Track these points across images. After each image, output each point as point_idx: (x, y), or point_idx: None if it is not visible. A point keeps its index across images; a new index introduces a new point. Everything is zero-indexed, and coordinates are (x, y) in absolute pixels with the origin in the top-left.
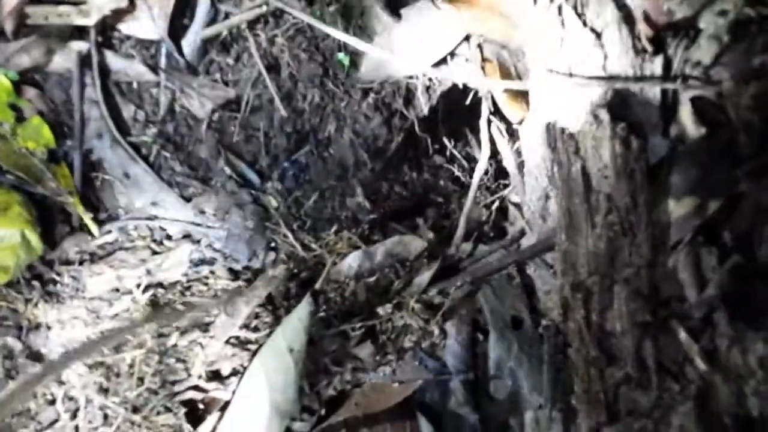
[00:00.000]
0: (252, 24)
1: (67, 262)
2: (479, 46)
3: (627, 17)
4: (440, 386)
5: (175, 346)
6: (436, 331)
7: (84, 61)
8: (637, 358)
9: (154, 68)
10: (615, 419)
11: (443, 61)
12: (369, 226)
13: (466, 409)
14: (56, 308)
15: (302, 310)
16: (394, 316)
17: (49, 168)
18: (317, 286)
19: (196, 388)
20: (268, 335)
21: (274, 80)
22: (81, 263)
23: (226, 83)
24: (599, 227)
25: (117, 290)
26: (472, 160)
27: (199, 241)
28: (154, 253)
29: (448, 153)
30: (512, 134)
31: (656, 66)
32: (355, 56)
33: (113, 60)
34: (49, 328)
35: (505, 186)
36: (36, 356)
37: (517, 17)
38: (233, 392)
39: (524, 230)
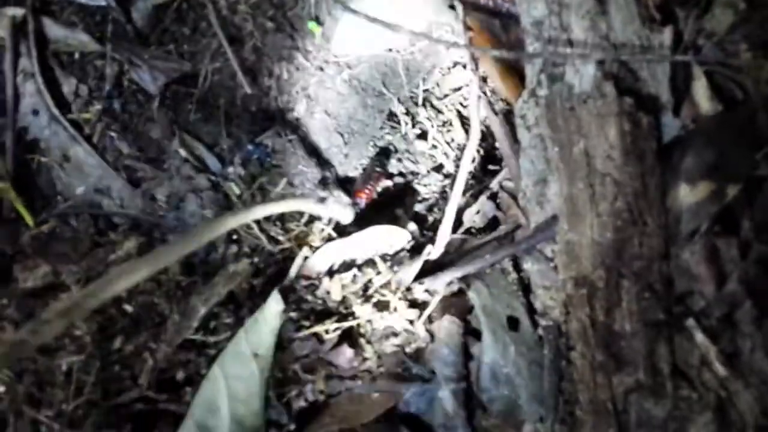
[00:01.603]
0: None
1: None
2: (466, 12)
3: None
4: (427, 396)
5: (119, 350)
6: (422, 334)
7: (19, 28)
8: (650, 362)
9: (99, 38)
10: None
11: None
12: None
13: (457, 421)
14: None
15: (269, 309)
16: (375, 317)
17: None
18: (286, 282)
19: (144, 399)
20: (229, 338)
21: (236, 53)
22: (13, 256)
23: (181, 55)
24: (605, 215)
25: (53, 287)
26: (455, 147)
27: (149, 232)
28: (97, 245)
29: (430, 137)
30: (506, 114)
31: (665, 37)
32: (328, 26)
33: (52, 28)
34: None
35: (494, 173)
36: None
37: None
38: (188, 404)
39: (519, 220)
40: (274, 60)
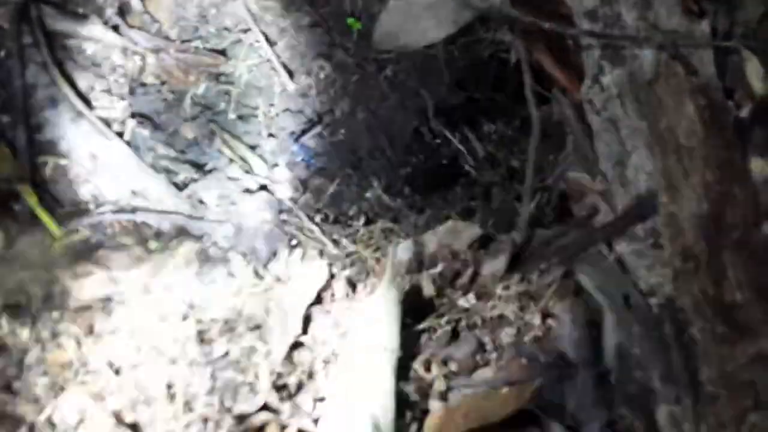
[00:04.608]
0: None
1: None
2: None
3: None
4: (565, 384)
5: (226, 354)
6: (537, 322)
7: (20, 16)
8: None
9: (115, 28)
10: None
11: (470, 27)
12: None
13: (594, 407)
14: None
15: (386, 298)
16: (481, 307)
17: None
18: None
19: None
20: (340, 339)
21: (272, 50)
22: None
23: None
24: (699, 187)
25: (109, 299)
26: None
27: (200, 239)
28: (149, 251)
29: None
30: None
31: (704, 27)
32: (366, 23)
33: (57, 19)
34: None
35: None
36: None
37: None
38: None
39: (597, 205)
40: (311, 58)
